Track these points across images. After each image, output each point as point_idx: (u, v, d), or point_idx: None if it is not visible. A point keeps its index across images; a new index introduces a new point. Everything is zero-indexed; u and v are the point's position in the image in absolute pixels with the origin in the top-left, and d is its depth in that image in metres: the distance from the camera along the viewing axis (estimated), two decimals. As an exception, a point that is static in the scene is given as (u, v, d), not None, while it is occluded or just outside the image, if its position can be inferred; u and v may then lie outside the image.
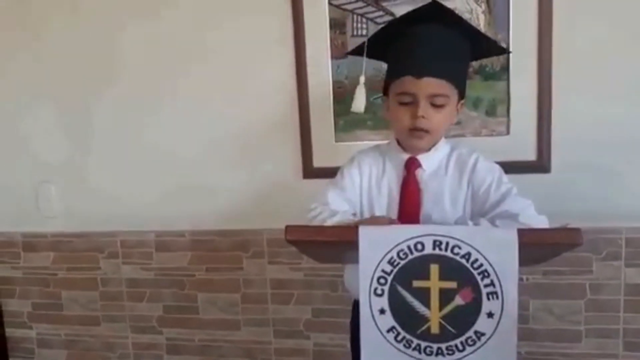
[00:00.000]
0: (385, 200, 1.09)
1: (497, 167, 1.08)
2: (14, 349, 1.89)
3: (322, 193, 1.11)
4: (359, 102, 1.14)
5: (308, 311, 1.62)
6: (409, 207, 1.06)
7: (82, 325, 1.81)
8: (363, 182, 1.12)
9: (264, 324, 1.66)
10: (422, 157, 1.08)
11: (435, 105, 1.02)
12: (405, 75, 1.02)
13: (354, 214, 1.07)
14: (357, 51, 1.14)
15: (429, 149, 1.08)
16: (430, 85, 1.00)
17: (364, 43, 1.11)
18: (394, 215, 1.06)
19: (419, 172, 1.08)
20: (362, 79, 1.12)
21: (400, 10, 1.41)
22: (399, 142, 1.11)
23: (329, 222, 1.01)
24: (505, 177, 1.06)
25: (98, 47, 1.64)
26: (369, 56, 1.12)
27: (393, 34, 1.07)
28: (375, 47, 1.10)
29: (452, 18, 1.03)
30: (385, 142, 1.18)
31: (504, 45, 1.34)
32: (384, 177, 1.11)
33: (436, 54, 1.00)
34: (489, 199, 1.03)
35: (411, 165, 1.08)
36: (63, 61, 1.67)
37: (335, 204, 1.08)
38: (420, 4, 1.04)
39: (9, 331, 1.88)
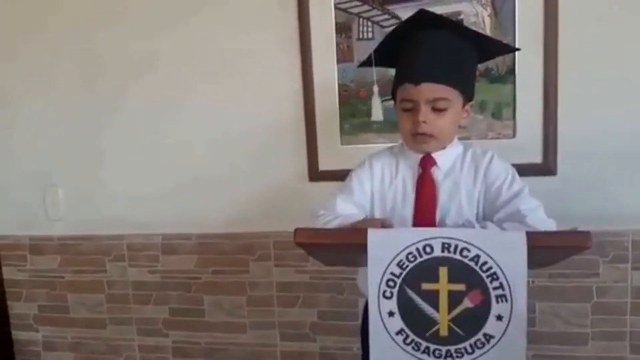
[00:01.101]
0: (399, 198, 1.09)
1: (511, 167, 1.08)
2: (20, 351, 1.89)
3: (330, 198, 1.12)
4: (377, 111, 1.15)
5: (314, 314, 1.62)
6: (424, 205, 1.06)
7: (88, 328, 1.82)
8: (374, 184, 1.12)
9: (270, 326, 1.66)
10: (437, 155, 1.08)
11: (437, 110, 1.02)
12: (405, 82, 1.03)
13: (364, 219, 1.07)
14: (367, 62, 1.14)
15: (444, 147, 1.09)
16: (429, 90, 1.00)
17: (371, 54, 1.12)
18: (409, 213, 1.07)
19: (434, 170, 1.08)
20: (375, 88, 1.14)
21: (405, 13, 1.41)
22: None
23: (328, 226, 1.03)
24: (518, 177, 1.07)
25: (111, 56, 1.66)
26: (379, 65, 1.13)
27: (395, 42, 1.07)
28: (382, 55, 1.11)
29: (445, 23, 1.04)
30: (398, 143, 1.18)
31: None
32: (397, 176, 1.11)
33: (433, 59, 1.00)
34: (500, 196, 1.03)
35: (426, 164, 1.08)
36: (73, 67, 1.69)
37: (342, 209, 1.08)
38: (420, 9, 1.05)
39: (15, 334, 1.89)
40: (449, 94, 1.02)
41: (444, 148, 1.09)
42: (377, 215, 1.10)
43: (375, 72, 1.12)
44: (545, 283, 1.45)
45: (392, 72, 1.12)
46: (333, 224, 1.03)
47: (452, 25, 1.06)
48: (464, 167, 1.08)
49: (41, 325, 1.86)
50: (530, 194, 1.03)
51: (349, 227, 0.99)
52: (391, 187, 1.11)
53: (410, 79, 1.02)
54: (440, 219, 1.05)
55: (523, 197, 1.02)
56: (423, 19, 1.02)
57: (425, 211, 1.06)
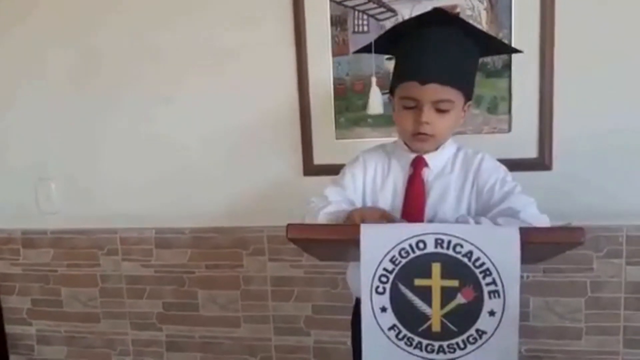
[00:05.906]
0: (390, 198, 1.09)
1: (503, 166, 1.08)
2: (13, 345, 1.89)
3: (323, 190, 1.11)
4: (376, 104, 1.13)
5: (308, 308, 1.62)
6: (413, 206, 1.06)
7: (82, 322, 1.81)
8: (367, 181, 1.12)
9: (264, 321, 1.66)
10: (428, 157, 1.08)
11: (439, 110, 1.01)
12: (410, 81, 1.01)
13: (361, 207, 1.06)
14: (365, 49, 1.12)
15: (436, 149, 1.08)
16: (435, 91, 0.99)
17: (371, 43, 1.09)
18: (398, 213, 1.06)
19: (425, 172, 1.08)
20: (373, 79, 1.12)
21: (400, 7, 1.41)
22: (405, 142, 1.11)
23: (322, 212, 1.01)
24: (510, 176, 1.06)
25: (106, 50, 1.64)
26: (377, 52, 1.11)
27: (400, 35, 1.05)
28: (383, 44, 1.10)
29: (457, 23, 1.02)
30: (391, 140, 1.17)
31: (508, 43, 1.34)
32: (389, 175, 1.11)
33: (442, 60, 0.98)
34: (492, 197, 1.03)
35: (418, 165, 1.08)
36: (67, 59, 1.67)
37: (333, 199, 1.07)
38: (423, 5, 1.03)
39: (9, 328, 1.88)
40: (453, 96, 1.00)
41: (436, 149, 1.08)
42: None
43: (374, 64, 1.10)
44: (539, 278, 1.45)
45: (390, 66, 1.10)
46: (327, 210, 1.02)
47: (463, 25, 1.03)
48: (455, 169, 1.08)
49: (35, 319, 1.85)
50: (522, 191, 1.03)
51: (345, 216, 0.98)
52: (383, 186, 1.10)
53: (416, 77, 0.99)
54: (428, 220, 1.04)
55: (515, 195, 1.01)
56: (437, 17, 1.00)
57: (413, 212, 1.05)
